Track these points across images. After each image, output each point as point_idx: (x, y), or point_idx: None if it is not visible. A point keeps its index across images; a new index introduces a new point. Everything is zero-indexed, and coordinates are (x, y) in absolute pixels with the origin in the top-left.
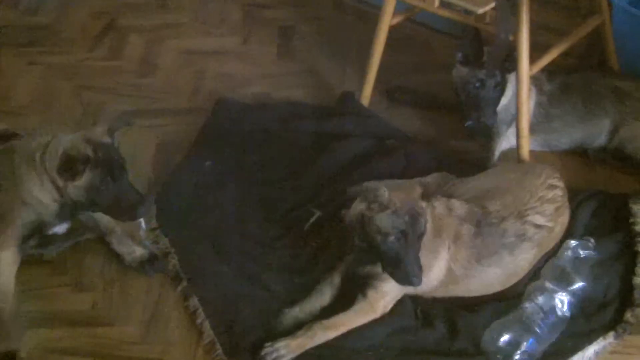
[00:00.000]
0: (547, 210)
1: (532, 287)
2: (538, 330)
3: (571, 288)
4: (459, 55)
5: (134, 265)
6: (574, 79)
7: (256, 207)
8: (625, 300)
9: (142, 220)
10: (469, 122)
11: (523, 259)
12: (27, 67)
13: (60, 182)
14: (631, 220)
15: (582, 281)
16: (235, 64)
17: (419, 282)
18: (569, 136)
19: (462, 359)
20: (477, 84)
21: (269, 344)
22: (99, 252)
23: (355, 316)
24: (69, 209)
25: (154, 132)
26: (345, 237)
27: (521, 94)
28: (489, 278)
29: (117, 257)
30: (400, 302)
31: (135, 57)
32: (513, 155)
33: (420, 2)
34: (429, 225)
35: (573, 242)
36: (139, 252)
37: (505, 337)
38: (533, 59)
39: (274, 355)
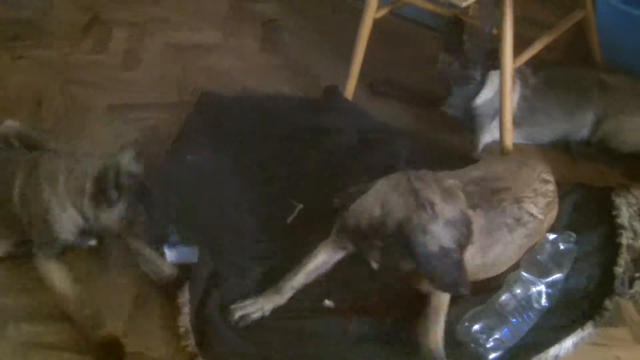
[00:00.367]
0: (540, 202)
1: (510, 277)
2: (513, 320)
3: (549, 279)
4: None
5: (158, 284)
6: (558, 73)
7: (239, 201)
8: (605, 290)
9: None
10: (442, 108)
11: (516, 245)
12: (12, 62)
13: (91, 210)
14: (614, 213)
15: (561, 273)
16: (219, 58)
17: (468, 291)
18: (552, 129)
19: None
20: (449, 69)
21: (239, 300)
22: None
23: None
24: (92, 232)
25: (138, 126)
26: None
27: (504, 87)
28: (492, 257)
29: (100, 252)
30: (376, 293)
31: (120, 51)
32: (497, 148)
33: None
34: None
35: (553, 236)
36: (167, 272)
37: (477, 326)
38: (517, 53)
39: (242, 312)
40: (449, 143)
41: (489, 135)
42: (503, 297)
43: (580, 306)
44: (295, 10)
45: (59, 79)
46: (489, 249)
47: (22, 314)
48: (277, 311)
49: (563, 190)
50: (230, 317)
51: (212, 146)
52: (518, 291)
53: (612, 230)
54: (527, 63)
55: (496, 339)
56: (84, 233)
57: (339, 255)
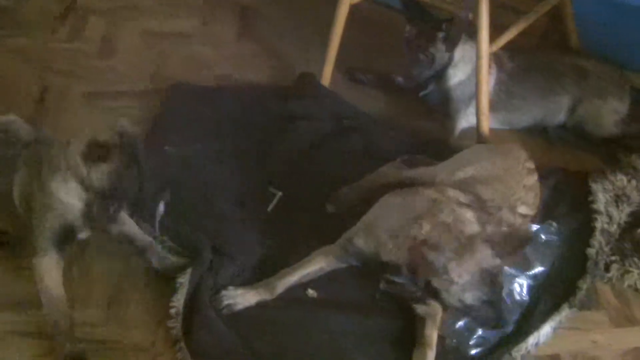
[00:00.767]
0: (530, 199)
1: None
2: None
3: (530, 272)
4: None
5: (166, 273)
6: (535, 58)
7: (219, 190)
8: (579, 272)
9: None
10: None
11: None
12: None
13: (84, 170)
14: (590, 198)
15: (542, 266)
16: (196, 46)
17: (509, 325)
18: (529, 114)
19: None
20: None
21: (231, 287)
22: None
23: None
24: (95, 209)
25: (115, 114)
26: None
27: (481, 72)
28: None
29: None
30: (359, 288)
31: (97, 39)
32: (473, 134)
33: None
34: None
35: (535, 227)
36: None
37: (460, 323)
38: (493, 38)
39: (229, 301)
40: (425, 130)
41: (465, 121)
42: None
43: (555, 290)
44: None
45: (35, 68)
46: None
47: (0, 303)
48: (263, 300)
49: (540, 174)
50: (217, 303)
51: (189, 137)
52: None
53: (588, 215)
54: (504, 48)
55: (479, 336)
56: (89, 209)
57: (339, 266)
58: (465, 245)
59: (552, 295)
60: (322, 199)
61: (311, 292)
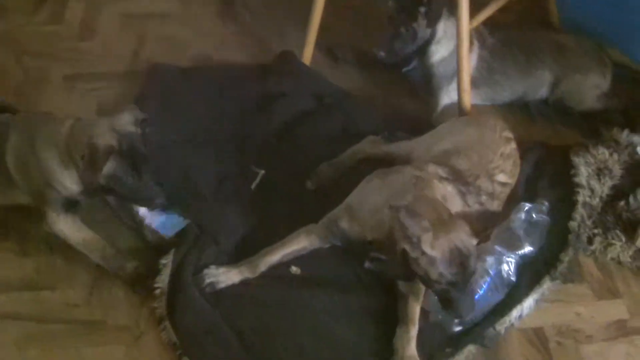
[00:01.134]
0: (507, 166)
1: (480, 249)
2: (480, 292)
3: (520, 252)
4: None
5: (159, 247)
6: (516, 34)
7: (200, 172)
8: (561, 245)
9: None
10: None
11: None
12: None
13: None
14: (572, 172)
15: (532, 246)
16: (175, 26)
17: (467, 315)
18: (511, 89)
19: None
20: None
21: (213, 266)
22: (42, 217)
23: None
24: (93, 191)
25: (95, 96)
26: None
27: (461, 49)
28: None
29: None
30: (342, 265)
31: (76, 22)
32: (455, 111)
33: None
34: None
35: (527, 205)
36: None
37: None
38: (473, 14)
39: (211, 279)
40: (407, 107)
41: (447, 98)
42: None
43: (538, 263)
44: None
45: (14, 51)
46: None
47: None
48: (246, 279)
49: (522, 149)
50: (200, 282)
51: (170, 118)
52: (488, 263)
53: (571, 189)
54: (484, 24)
55: None
56: (89, 191)
57: (322, 245)
58: (444, 221)
59: (534, 268)
60: (302, 177)
61: (294, 269)
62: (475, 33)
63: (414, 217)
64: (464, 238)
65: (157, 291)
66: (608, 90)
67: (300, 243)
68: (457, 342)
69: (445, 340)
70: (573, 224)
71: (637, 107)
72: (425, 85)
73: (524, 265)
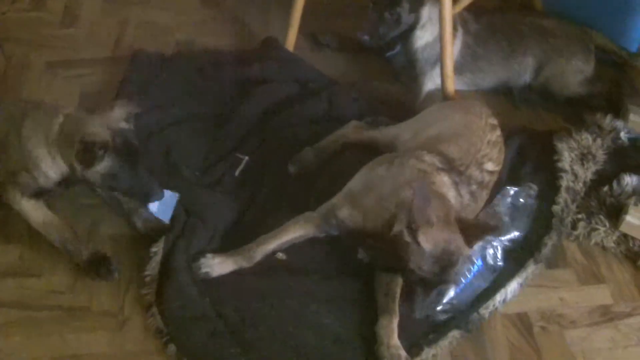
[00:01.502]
0: (494, 154)
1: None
2: (463, 280)
3: (506, 237)
4: None
5: (149, 235)
6: (500, 19)
7: (185, 157)
8: (545, 229)
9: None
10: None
11: (479, 207)
12: None
13: (78, 167)
14: (555, 157)
15: (518, 231)
16: (158, 12)
17: (420, 316)
18: (494, 75)
19: None
20: None
21: (209, 255)
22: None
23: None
24: (72, 182)
25: (78, 82)
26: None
27: (444, 34)
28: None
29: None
30: (328, 252)
31: (58, 8)
32: (439, 96)
33: None
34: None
35: (512, 189)
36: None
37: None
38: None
39: (207, 269)
40: (391, 92)
41: (431, 83)
42: None
43: (521, 248)
44: None
45: None
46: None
47: None
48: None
49: (506, 134)
50: (196, 269)
51: (154, 105)
52: (474, 251)
53: (554, 174)
54: (468, 10)
55: (446, 302)
56: (67, 182)
57: (317, 235)
58: (448, 221)
59: (518, 252)
60: (286, 162)
61: (280, 255)
62: (460, 19)
63: (424, 205)
64: (459, 245)
65: (147, 278)
66: (591, 75)
67: (296, 232)
68: (441, 327)
69: (429, 326)
70: (556, 209)
71: (620, 92)
72: (408, 70)
73: (510, 249)
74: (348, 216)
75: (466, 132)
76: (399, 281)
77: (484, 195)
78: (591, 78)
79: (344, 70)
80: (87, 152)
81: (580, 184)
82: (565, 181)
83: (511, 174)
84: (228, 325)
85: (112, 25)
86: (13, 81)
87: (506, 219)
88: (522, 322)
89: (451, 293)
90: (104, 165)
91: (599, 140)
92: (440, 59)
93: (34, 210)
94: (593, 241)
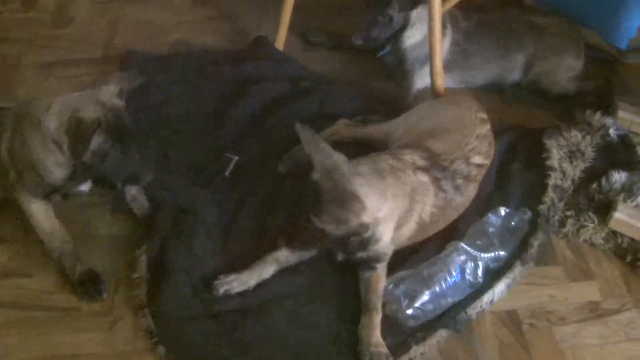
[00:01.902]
0: (483, 147)
1: (452, 246)
2: (437, 289)
3: (488, 255)
4: None
5: (143, 219)
6: (490, 16)
7: (177, 159)
8: (532, 229)
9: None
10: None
11: (467, 199)
12: None
13: (67, 145)
14: (544, 155)
15: (504, 251)
16: (151, 12)
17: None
18: (485, 72)
19: None
20: None
21: (222, 276)
22: (16, 204)
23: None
24: (80, 172)
25: (72, 83)
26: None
27: (434, 32)
28: (445, 219)
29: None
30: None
31: (50, 8)
32: (430, 94)
33: None
34: (397, 191)
35: (505, 210)
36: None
37: (401, 288)
38: None
39: (226, 287)
40: (382, 90)
41: (421, 81)
42: (435, 264)
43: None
44: None
45: None
46: (441, 214)
47: None
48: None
49: (495, 132)
50: (215, 292)
51: (146, 104)
52: (451, 260)
53: (543, 171)
54: (458, 7)
55: (416, 307)
56: (74, 173)
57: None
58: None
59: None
60: (277, 161)
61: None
62: (449, 16)
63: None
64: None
65: (136, 280)
66: (581, 72)
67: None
68: (429, 326)
69: (417, 325)
70: (542, 208)
71: (610, 89)
72: (399, 69)
73: (492, 268)
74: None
75: (456, 125)
76: (381, 277)
77: (471, 188)
78: (581, 75)
79: (335, 68)
80: (77, 130)
81: (569, 182)
82: (553, 179)
83: (500, 172)
84: (222, 325)
85: (104, 25)
86: (7, 82)
87: (495, 239)
88: (511, 319)
89: (425, 297)
90: (94, 142)
91: (588, 138)
92: (429, 57)
93: (42, 216)
94: (582, 238)
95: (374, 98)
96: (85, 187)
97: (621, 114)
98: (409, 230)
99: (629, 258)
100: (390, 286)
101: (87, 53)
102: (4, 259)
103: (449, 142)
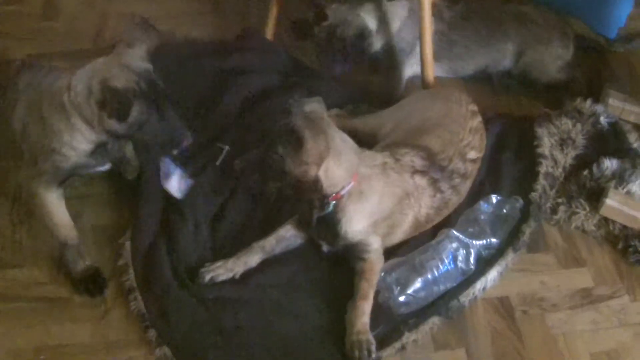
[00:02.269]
0: (476, 141)
1: (444, 233)
2: (429, 276)
3: (480, 242)
4: None
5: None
6: (476, 6)
7: None
8: (523, 216)
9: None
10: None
11: (463, 197)
12: None
13: (99, 118)
14: (535, 143)
15: (496, 238)
16: (139, 4)
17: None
18: (473, 62)
19: None
20: None
21: (208, 264)
22: (7, 194)
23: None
24: (104, 147)
25: None
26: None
27: (423, 21)
28: (441, 217)
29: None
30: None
31: (38, 1)
32: (419, 84)
33: None
34: (394, 189)
35: (496, 197)
36: None
37: (393, 275)
38: None
39: (211, 274)
40: (371, 81)
41: (410, 70)
42: (427, 252)
43: (500, 235)
44: None
45: None
46: (436, 214)
47: None
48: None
49: (486, 121)
50: (201, 279)
51: None
52: (443, 248)
53: (534, 160)
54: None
55: (408, 294)
56: (97, 149)
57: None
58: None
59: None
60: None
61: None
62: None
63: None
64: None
65: (121, 264)
66: (571, 61)
67: (287, 227)
68: (421, 313)
69: (410, 312)
70: (534, 195)
71: (599, 78)
72: (386, 60)
73: (484, 256)
74: None
75: (447, 121)
76: (373, 267)
77: (467, 185)
78: (571, 64)
79: None
80: (115, 101)
81: (560, 170)
82: (544, 167)
83: (491, 161)
84: (209, 313)
85: (92, 18)
86: None
87: (487, 227)
88: (503, 306)
89: (417, 284)
90: (133, 114)
91: (578, 125)
92: (417, 46)
93: (55, 207)
94: (573, 225)
95: (362, 88)
96: (106, 166)
97: (611, 101)
98: (403, 232)
99: (620, 245)
100: (382, 274)
101: (75, 46)
102: None
103: (443, 138)
